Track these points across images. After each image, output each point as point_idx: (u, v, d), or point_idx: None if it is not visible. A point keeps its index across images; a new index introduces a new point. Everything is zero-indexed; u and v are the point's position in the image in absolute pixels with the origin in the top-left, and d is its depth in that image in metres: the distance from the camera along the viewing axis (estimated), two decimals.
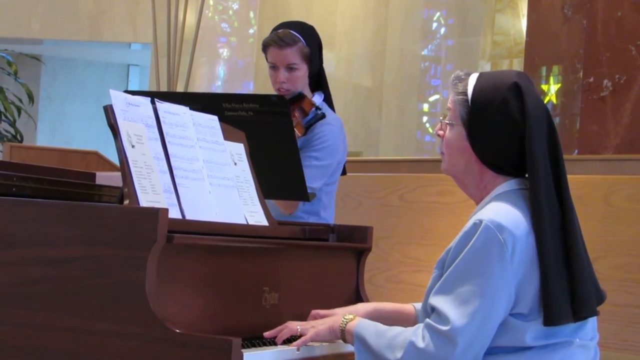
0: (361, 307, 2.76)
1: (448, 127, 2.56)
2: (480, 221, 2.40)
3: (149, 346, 2.27)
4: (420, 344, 2.38)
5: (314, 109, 3.69)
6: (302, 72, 3.78)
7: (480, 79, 2.52)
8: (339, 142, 3.75)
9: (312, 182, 3.64)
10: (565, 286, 2.40)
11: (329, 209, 3.81)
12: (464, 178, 2.57)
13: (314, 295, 2.85)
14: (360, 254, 3.06)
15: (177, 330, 2.26)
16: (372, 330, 2.48)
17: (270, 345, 2.55)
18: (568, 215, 2.45)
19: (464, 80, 2.53)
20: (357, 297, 3.04)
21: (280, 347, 2.55)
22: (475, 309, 2.35)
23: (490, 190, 2.53)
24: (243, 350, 2.32)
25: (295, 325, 2.57)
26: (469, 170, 2.55)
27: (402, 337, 2.43)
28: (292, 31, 3.77)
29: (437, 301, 2.41)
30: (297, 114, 3.66)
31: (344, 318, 2.56)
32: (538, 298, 2.39)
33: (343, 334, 2.54)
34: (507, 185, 2.51)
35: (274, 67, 3.79)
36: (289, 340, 2.56)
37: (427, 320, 2.41)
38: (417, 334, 2.40)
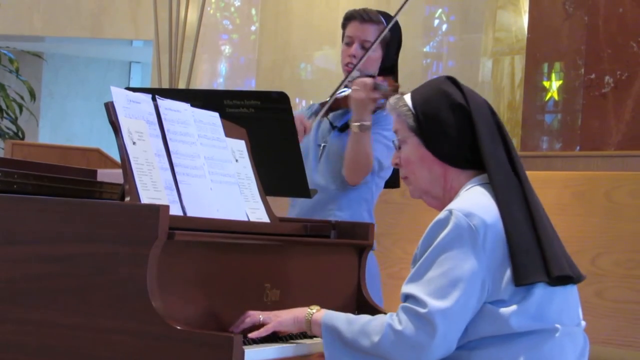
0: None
1: (402, 148, 2.61)
2: (450, 211, 2.43)
3: (150, 343, 2.28)
4: (398, 327, 2.37)
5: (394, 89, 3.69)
6: (376, 55, 3.78)
7: (415, 90, 2.64)
8: None
9: (385, 159, 3.66)
10: (534, 248, 2.42)
11: (373, 203, 3.82)
12: (431, 189, 2.61)
13: (316, 292, 2.85)
14: (362, 251, 3.06)
15: (179, 327, 2.26)
16: (342, 318, 2.48)
17: (270, 342, 2.55)
18: (527, 190, 2.50)
19: (400, 98, 2.63)
20: (359, 294, 3.04)
21: (281, 344, 2.55)
22: (452, 292, 2.36)
23: (457, 188, 2.57)
24: (244, 346, 2.33)
25: (257, 315, 2.55)
26: (434, 178, 2.59)
27: (376, 321, 2.42)
28: (379, 13, 3.80)
29: (411, 288, 2.41)
30: (380, 78, 3.67)
31: (310, 309, 2.56)
32: (512, 276, 2.40)
33: (309, 325, 2.53)
34: (473, 181, 2.55)
35: (348, 43, 3.79)
36: (250, 330, 2.53)
37: (403, 304, 2.40)
38: (394, 318, 2.39)
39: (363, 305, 3.00)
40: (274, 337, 2.57)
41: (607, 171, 4.85)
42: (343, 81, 3.77)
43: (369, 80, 3.63)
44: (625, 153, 5.37)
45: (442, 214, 2.45)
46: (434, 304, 2.35)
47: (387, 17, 3.88)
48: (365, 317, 2.46)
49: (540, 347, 2.40)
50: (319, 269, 2.90)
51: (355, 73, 3.76)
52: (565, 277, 2.44)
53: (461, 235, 2.39)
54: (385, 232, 4.71)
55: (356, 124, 3.62)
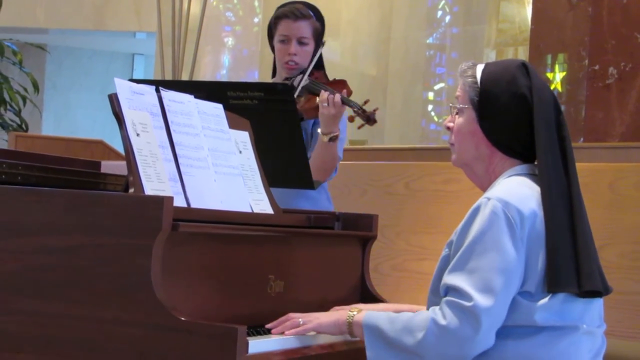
0: (382, 306, 2.76)
1: (457, 115, 2.59)
2: (488, 199, 2.43)
3: (154, 334, 2.28)
4: (442, 321, 2.36)
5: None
6: (311, 48, 3.81)
7: (489, 65, 2.60)
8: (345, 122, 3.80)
9: (340, 152, 3.70)
10: (571, 257, 2.41)
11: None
12: (474, 165, 2.59)
13: (320, 284, 2.85)
14: (366, 242, 3.06)
15: (183, 318, 2.26)
16: (384, 317, 2.46)
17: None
18: (575, 195, 2.48)
19: (472, 67, 2.59)
20: (363, 285, 3.04)
21: (285, 335, 2.55)
22: (495, 286, 2.35)
23: (499, 173, 2.55)
24: (248, 337, 2.33)
25: (297, 318, 2.55)
26: (479, 155, 2.57)
27: (419, 317, 2.40)
28: (304, 6, 3.83)
29: (453, 279, 2.39)
30: (344, 91, 3.66)
31: (351, 311, 2.53)
32: (544, 276, 2.40)
33: (350, 327, 2.51)
34: (516, 169, 2.54)
35: (284, 41, 3.80)
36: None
37: (447, 297, 2.39)
38: (437, 312, 2.38)
39: (367, 296, 3.00)
40: None
41: (611, 162, 4.83)
42: (298, 87, 3.72)
43: (337, 97, 3.60)
44: (629, 144, 5.35)
45: (481, 202, 2.44)
46: (479, 299, 2.34)
47: (312, 6, 3.89)
48: (406, 314, 2.44)
49: (556, 343, 2.40)
50: (322, 261, 2.90)
51: (305, 77, 3.72)
52: (594, 291, 2.45)
53: (499, 226, 2.39)
54: (389, 224, 4.71)
55: (326, 136, 3.62)
